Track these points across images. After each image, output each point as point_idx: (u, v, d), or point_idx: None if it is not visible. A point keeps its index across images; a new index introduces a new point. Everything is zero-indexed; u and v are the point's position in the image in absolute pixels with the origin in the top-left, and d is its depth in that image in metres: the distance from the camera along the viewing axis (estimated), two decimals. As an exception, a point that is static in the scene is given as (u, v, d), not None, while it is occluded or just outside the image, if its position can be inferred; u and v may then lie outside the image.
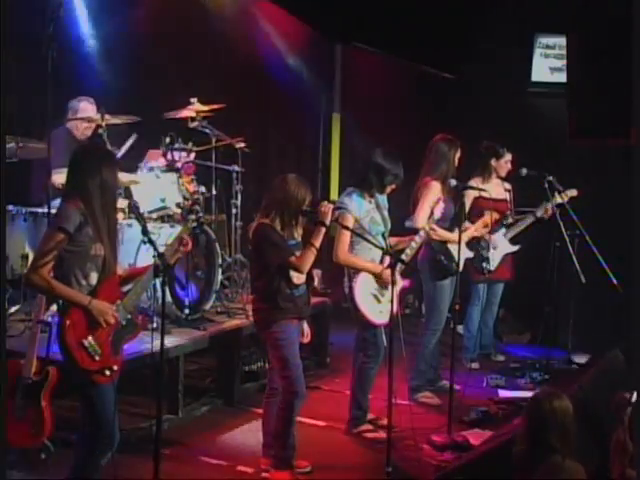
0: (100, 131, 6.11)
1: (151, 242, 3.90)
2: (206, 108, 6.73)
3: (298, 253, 4.77)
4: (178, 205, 6.28)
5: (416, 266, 6.10)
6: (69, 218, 3.78)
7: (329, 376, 6.86)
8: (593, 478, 3.60)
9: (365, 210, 5.38)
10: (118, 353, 3.93)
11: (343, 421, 5.61)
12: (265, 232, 4.75)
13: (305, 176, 4.97)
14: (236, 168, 7.00)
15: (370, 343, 5.47)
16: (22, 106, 6.21)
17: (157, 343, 3.83)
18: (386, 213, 5.53)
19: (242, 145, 7.01)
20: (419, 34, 8.34)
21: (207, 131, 6.83)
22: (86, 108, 6.28)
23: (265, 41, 8.65)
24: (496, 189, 6.88)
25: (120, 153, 6.17)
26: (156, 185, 6.35)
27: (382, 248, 5.19)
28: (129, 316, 3.96)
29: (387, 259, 5.29)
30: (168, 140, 6.47)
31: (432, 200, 5.72)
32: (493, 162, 6.99)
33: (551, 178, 6.63)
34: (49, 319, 4.87)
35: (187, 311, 6.09)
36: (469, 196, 6.66)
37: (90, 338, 3.80)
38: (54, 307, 4.84)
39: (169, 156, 6.47)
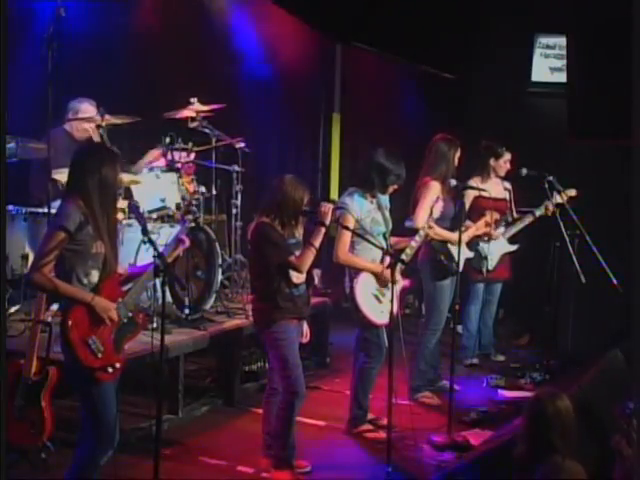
0: (100, 131, 6.11)
1: (151, 242, 3.90)
2: (206, 108, 6.74)
3: (298, 252, 4.77)
4: (178, 205, 6.28)
5: (416, 266, 6.10)
6: (69, 217, 3.78)
7: (329, 376, 6.86)
8: (593, 478, 3.59)
9: (366, 210, 5.38)
10: (120, 351, 3.94)
11: (343, 421, 5.61)
12: (265, 231, 4.76)
13: (305, 176, 4.99)
14: (236, 168, 7.00)
15: (372, 343, 5.47)
16: (22, 106, 6.21)
17: (157, 343, 3.84)
18: (387, 213, 5.53)
19: (242, 145, 7.01)
20: (419, 34, 8.34)
21: (207, 131, 6.83)
22: (87, 109, 6.25)
23: (265, 41, 8.65)
24: (495, 188, 6.88)
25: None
26: (156, 185, 6.35)
27: (382, 248, 5.20)
28: (130, 314, 3.97)
29: (388, 259, 5.29)
30: (168, 140, 6.48)
31: (432, 200, 5.73)
32: (492, 162, 6.99)
33: (551, 178, 6.63)
34: (49, 319, 4.88)
35: (187, 311, 6.09)
36: (469, 196, 6.66)
37: (93, 336, 3.81)
38: (54, 307, 4.87)
39: (169, 156, 6.47)
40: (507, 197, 7.04)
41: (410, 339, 5.79)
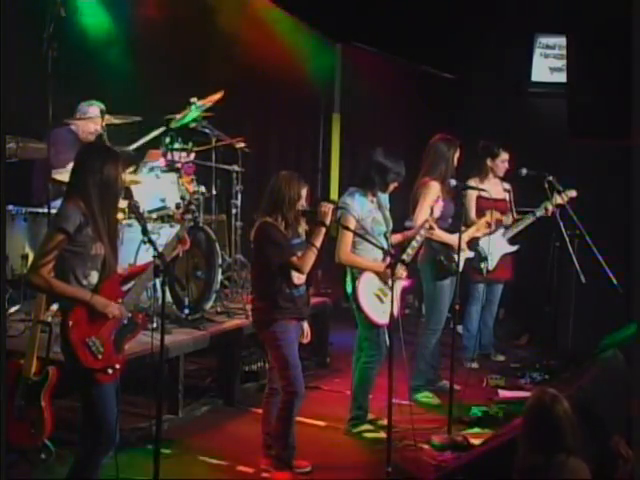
0: (100, 131, 6.11)
1: (151, 242, 3.90)
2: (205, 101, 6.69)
3: (300, 253, 4.77)
4: (178, 205, 6.27)
5: (416, 266, 6.10)
6: (69, 218, 3.78)
7: (329, 376, 6.86)
8: (593, 478, 3.59)
9: (367, 210, 5.38)
10: (120, 352, 3.93)
11: (343, 421, 5.61)
12: (267, 231, 4.76)
13: (305, 176, 4.97)
14: (236, 168, 7.00)
15: (372, 343, 5.47)
16: (22, 106, 6.21)
17: (157, 343, 3.84)
18: (387, 213, 5.53)
19: (242, 145, 7.00)
20: (419, 34, 8.35)
21: (207, 131, 6.82)
22: (95, 113, 6.23)
23: (265, 41, 8.64)
24: (495, 189, 6.88)
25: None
26: (156, 185, 6.35)
27: (383, 248, 5.20)
28: (130, 315, 3.96)
29: (389, 259, 5.29)
30: (168, 140, 6.47)
31: (432, 200, 5.73)
32: (489, 162, 6.98)
33: (551, 178, 6.63)
34: (49, 319, 4.88)
35: (187, 311, 6.09)
36: (470, 196, 6.65)
37: (93, 337, 3.81)
38: (54, 307, 4.86)
39: (169, 156, 6.47)
40: (507, 198, 7.04)
41: (410, 339, 5.80)
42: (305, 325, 5.01)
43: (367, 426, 5.57)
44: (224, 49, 8.06)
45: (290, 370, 4.75)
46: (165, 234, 5.87)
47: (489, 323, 7.39)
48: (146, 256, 5.35)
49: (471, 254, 6.39)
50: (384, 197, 5.55)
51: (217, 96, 6.65)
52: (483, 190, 6.47)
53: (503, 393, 6.48)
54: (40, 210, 5.79)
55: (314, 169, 9.61)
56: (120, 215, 5.53)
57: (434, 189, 5.92)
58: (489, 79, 8.61)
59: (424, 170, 6.08)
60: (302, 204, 4.81)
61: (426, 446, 5.32)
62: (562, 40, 8.41)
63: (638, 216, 4.38)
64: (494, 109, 8.45)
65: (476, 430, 5.55)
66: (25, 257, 5.68)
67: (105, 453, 3.92)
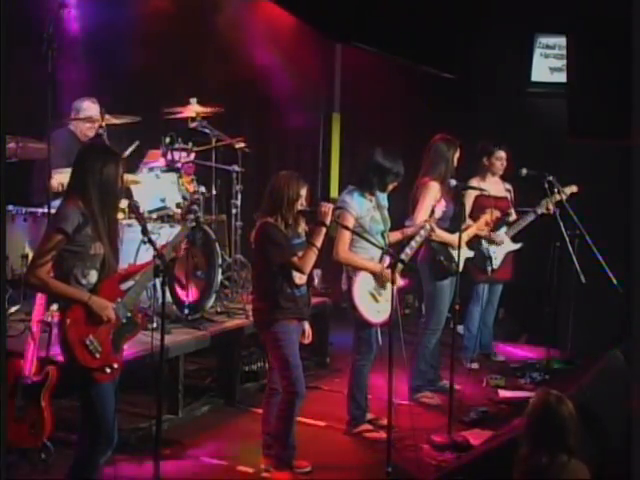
0: (100, 131, 6.11)
1: (151, 242, 3.90)
2: (206, 109, 6.74)
3: (301, 253, 4.77)
4: (178, 205, 6.28)
5: (416, 266, 6.10)
6: (68, 218, 3.78)
7: (329, 376, 6.86)
8: (593, 478, 3.60)
9: (366, 209, 5.38)
10: (118, 351, 3.93)
11: (343, 421, 5.61)
12: (268, 231, 4.76)
13: (305, 176, 4.97)
14: (236, 168, 6.99)
15: (363, 340, 5.48)
16: (22, 106, 6.21)
17: (157, 343, 3.84)
18: (386, 212, 5.53)
19: (242, 145, 7.01)
20: (419, 34, 8.34)
21: (207, 131, 6.83)
22: (89, 107, 6.24)
23: (265, 41, 8.64)
24: (495, 187, 6.88)
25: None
26: (156, 185, 6.35)
27: (382, 248, 5.20)
28: (129, 314, 3.96)
29: (387, 258, 5.29)
30: (168, 140, 6.47)
31: (431, 200, 5.73)
32: (485, 160, 6.99)
33: (551, 178, 6.63)
34: (49, 319, 4.88)
35: (187, 311, 6.09)
36: (470, 196, 6.65)
37: (91, 336, 3.81)
38: (54, 307, 4.86)
39: (169, 156, 6.47)
40: (508, 197, 7.04)
41: (410, 339, 5.81)
42: (306, 325, 5.01)
43: (367, 426, 5.57)
44: (224, 48, 8.05)
45: (291, 370, 4.75)
46: (165, 234, 5.87)
47: (489, 323, 7.39)
48: (146, 256, 5.36)
49: (471, 253, 6.39)
50: (383, 196, 5.55)
51: (216, 109, 6.70)
52: (483, 190, 6.47)
53: (503, 393, 6.48)
54: (40, 210, 5.79)
55: (314, 169, 9.61)
56: (120, 215, 5.53)
57: (434, 189, 5.92)
58: (489, 79, 8.60)
59: (424, 170, 6.08)
60: (302, 204, 4.82)
61: (426, 446, 5.32)
62: (562, 40, 8.40)
63: (638, 216, 4.38)
64: (494, 109, 8.44)
65: (476, 430, 5.55)
66: (25, 257, 5.68)
67: (104, 453, 3.92)
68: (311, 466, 4.96)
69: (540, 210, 6.82)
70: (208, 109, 6.76)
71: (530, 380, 6.75)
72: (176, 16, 7.62)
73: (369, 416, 5.64)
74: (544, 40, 8.83)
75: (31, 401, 4.63)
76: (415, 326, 6.50)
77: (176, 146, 6.54)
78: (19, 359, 4.70)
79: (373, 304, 5.39)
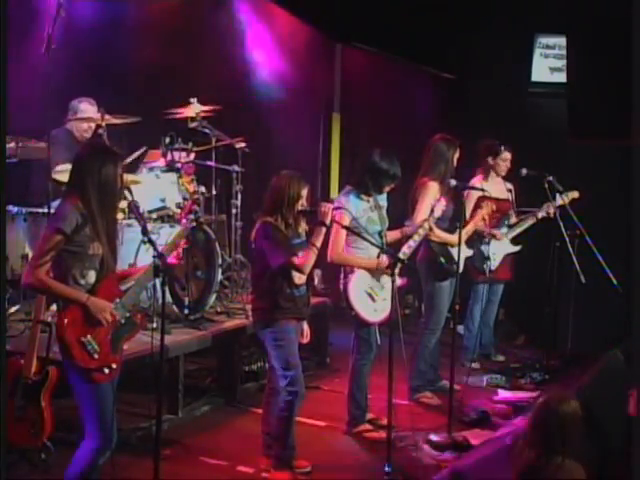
0: (100, 131, 6.11)
1: (151, 242, 3.89)
2: (206, 108, 6.73)
3: (301, 253, 4.77)
4: (178, 205, 6.28)
5: (415, 266, 6.10)
6: (66, 219, 3.77)
7: (329, 376, 6.86)
8: (593, 478, 3.60)
9: (362, 209, 5.38)
10: (117, 351, 3.92)
11: (343, 421, 5.61)
12: (268, 231, 4.76)
13: (305, 176, 4.97)
14: (236, 168, 7.00)
15: (363, 340, 5.48)
16: (22, 106, 6.21)
17: (157, 343, 3.83)
18: (384, 212, 5.52)
19: (242, 145, 7.01)
20: (419, 34, 8.34)
21: (207, 131, 6.83)
22: (87, 109, 6.26)
23: (265, 41, 8.65)
24: (497, 188, 6.89)
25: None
26: (156, 185, 6.36)
27: (379, 246, 5.19)
28: (128, 314, 3.96)
29: (384, 258, 5.28)
30: (168, 140, 6.47)
31: (431, 200, 5.72)
32: (490, 160, 6.99)
33: (551, 178, 6.63)
34: (49, 319, 4.87)
35: (187, 311, 6.09)
36: (472, 197, 6.64)
37: (89, 336, 3.80)
38: (54, 307, 4.86)
39: (169, 156, 6.47)
40: (509, 198, 7.04)
41: (410, 339, 5.80)
42: (305, 325, 5.01)
43: (367, 426, 5.57)
44: (224, 48, 8.06)
45: (290, 370, 4.75)
46: (165, 234, 5.88)
47: (490, 323, 7.39)
48: (146, 256, 5.37)
49: (470, 252, 6.39)
50: (381, 196, 5.54)
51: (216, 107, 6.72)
52: (484, 190, 6.46)
53: (503, 393, 6.48)
54: (40, 210, 5.79)
55: (314, 169, 9.60)
56: (120, 215, 5.53)
57: (433, 189, 5.92)
58: (489, 79, 8.60)
59: (423, 170, 6.07)
60: (302, 204, 4.81)
61: (426, 446, 5.32)
62: (562, 40, 8.41)
63: (638, 216, 4.37)
64: (494, 109, 8.44)
65: (476, 430, 5.55)
66: (25, 257, 5.69)
67: (103, 453, 3.91)
68: (311, 466, 4.96)
69: (541, 214, 6.82)
70: (208, 109, 6.76)
71: (530, 380, 6.75)
72: (176, 16, 7.62)
73: (369, 416, 5.64)
74: (544, 40, 8.84)
75: (31, 401, 4.63)
76: (415, 326, 6.50)
77: (176, 146, 6.54)
78: (19, 359, 4.70)
79: (370, 303, 5.39)
